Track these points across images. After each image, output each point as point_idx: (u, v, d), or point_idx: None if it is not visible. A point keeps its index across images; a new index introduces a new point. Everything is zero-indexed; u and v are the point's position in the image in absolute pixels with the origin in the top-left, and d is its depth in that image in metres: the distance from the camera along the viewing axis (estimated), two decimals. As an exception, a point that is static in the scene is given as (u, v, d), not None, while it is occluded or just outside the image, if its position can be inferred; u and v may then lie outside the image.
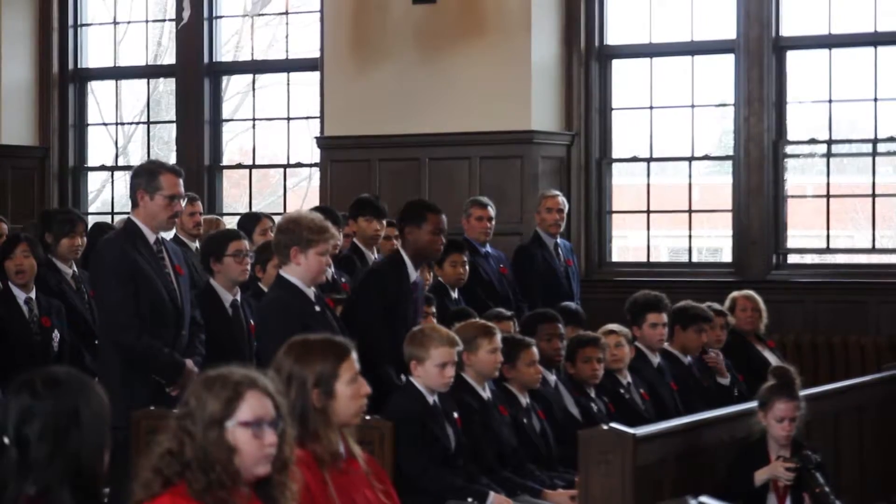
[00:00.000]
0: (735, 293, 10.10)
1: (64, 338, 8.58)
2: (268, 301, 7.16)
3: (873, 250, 12.41)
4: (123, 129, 15.82)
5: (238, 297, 7.95)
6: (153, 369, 7.19)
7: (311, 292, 6.89)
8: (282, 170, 14.52)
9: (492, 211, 10.65)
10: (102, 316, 7.50)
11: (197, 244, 9.59)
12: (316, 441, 4.63)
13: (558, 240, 10.97)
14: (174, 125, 14.74)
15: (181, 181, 7.34)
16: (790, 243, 12.55)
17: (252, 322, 7.89)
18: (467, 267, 9.96)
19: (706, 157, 13.36)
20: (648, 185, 13.02)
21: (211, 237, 8.39)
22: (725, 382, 9.31)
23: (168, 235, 7.61)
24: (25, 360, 8.03)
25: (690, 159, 12.90)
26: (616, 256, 13.16)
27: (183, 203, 7.52)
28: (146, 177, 7.28)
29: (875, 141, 12.23)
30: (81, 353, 8.56)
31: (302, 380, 4.63)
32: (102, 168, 15.21)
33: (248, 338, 7.86)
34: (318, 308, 6.87)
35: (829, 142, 12.42)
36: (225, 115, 15.03)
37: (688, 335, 9.13)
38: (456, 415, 7.01)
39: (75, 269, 9.10)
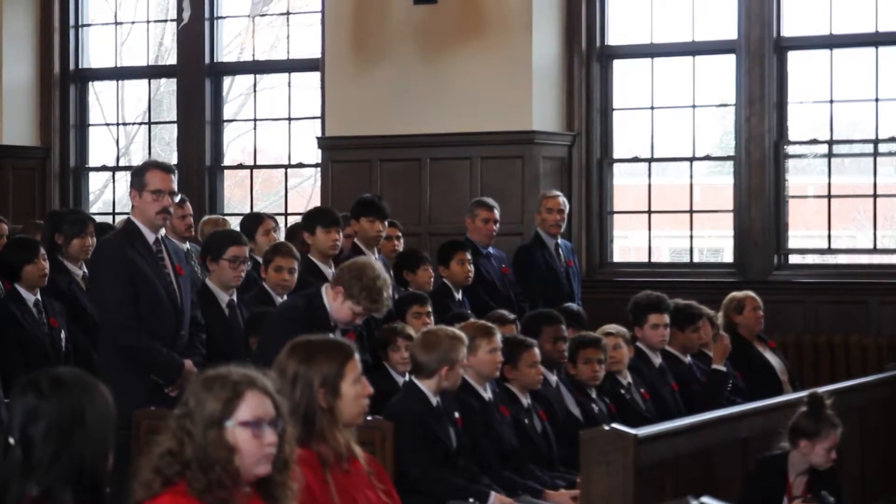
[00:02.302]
0: (736, 294, 10.03)
1: (68, 338, 8.58)
2: (287, 304, 7.19)
3: (874, 250, 12.40)
4: (125, 130, 15.83)
5: (234, 297, 7.94)
6: (152, 369, 7.20)
7: (335, 323, 6.87)
8: (283, 170, 14.51)
9: (497, 213, 10.62)
10: (101, 316, 7.50)
11: (188, 245, 9.54)
12: (322, 441, 4.64)
13: (559, 240, 10.96)
14: (175, 125, 14.73)
15: (171, 177, 7.29)
16: (791, 244, 12.54)
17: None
18: (472, 266, 9.95)
19: (707, 158, 13.34)
20: (650, 186, 13.01)
21: (213, 236, 8.36)
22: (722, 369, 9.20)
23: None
24: (40, 361, 8.03)
25: (691, 159, 12.89)
26: (617, 257, 13.14)
27: (176, 199, 7.47)
28: (137, 175, 7.32)
29: (876, 141, 12.22)
30: (90, 354, 8.55)
31: (308, 380, 4.63)
32: (104, 168, 15.20)
33: (245, 337, 7.86)
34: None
35: (831, 142, 12.41)
36: (227, 117, 15.03)
37: (686, 335, 9.13)
38: (457, 415, 7.02)
39: (85, 269, 9.08)
